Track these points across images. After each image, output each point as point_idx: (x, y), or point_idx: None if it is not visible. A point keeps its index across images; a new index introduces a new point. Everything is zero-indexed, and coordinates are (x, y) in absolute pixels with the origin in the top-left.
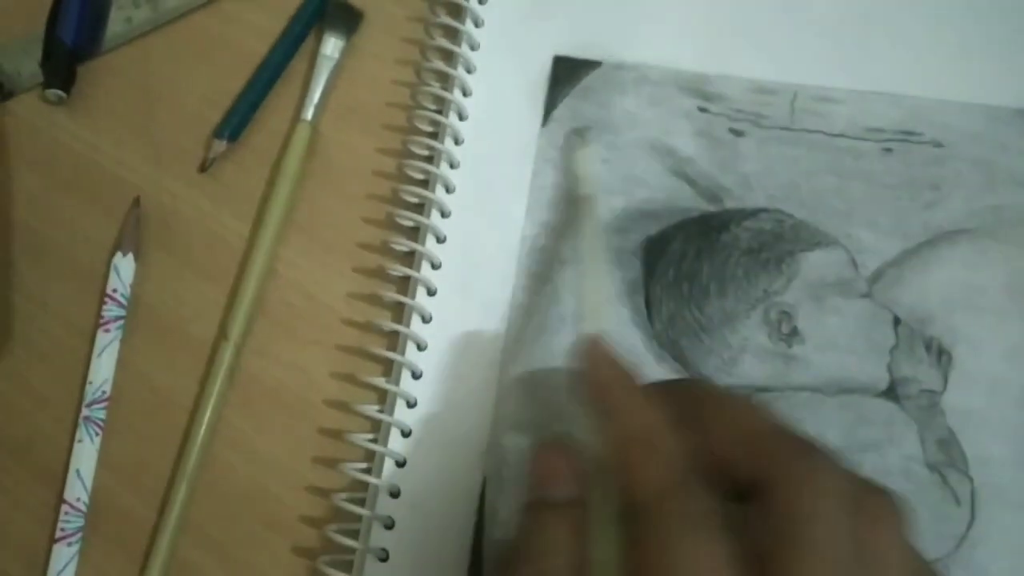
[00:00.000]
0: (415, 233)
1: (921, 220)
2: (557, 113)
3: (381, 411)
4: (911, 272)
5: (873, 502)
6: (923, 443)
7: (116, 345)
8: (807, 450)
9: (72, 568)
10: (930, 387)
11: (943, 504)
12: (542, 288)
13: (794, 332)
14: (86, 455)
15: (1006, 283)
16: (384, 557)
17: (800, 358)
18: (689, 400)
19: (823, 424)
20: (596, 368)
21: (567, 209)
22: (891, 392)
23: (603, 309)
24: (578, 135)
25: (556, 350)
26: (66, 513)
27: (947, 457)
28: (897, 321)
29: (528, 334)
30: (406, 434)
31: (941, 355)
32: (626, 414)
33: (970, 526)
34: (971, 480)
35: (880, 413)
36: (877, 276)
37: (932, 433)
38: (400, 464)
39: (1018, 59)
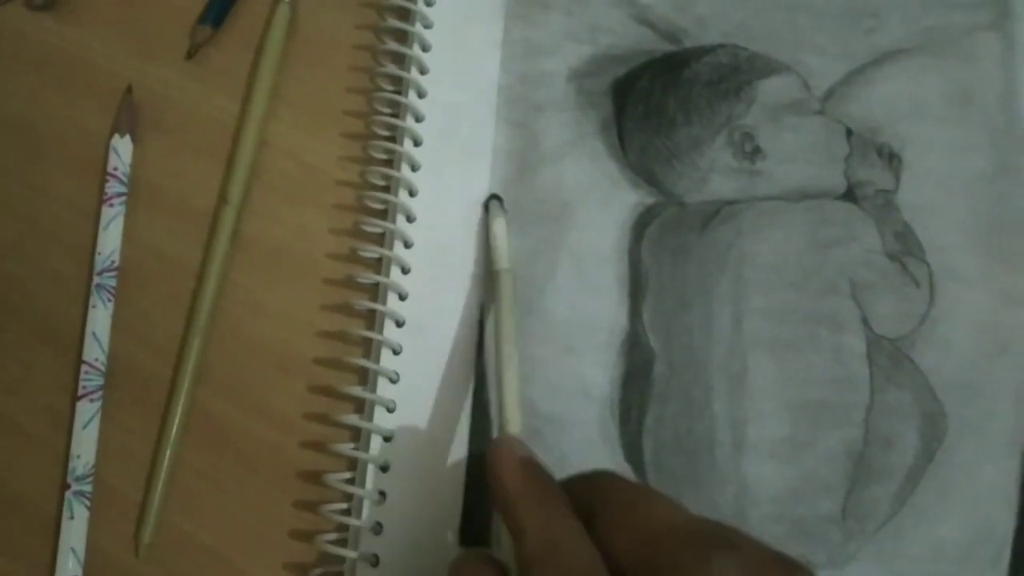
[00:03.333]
0: (399, 100)
1: (864, 44)
2: None
3: (381, 239)
4: (859, 89)
5: None
6: (882, 236)
7: (120, 219)
8: (703, 546)
9: (96, 422)
10: (884, 187)
11: (904, 288)
12: None
13: (756, 150)
14: (100, 319)
15: (944, 92)
16: (395, 378)
17: (764, 172)
18: (596, 497)
19: (789, 226)
20: (503, 474)
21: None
22: (849, 194)
23: (515, 410)
24: (495, 206)
25: None
26: (86, 373)
27: (904, 246)
28: (849, 133)
29: None
30: (406, 271)
31: (892, 159)
32: (530, 530)
33: (930, 305)
34: (928, 265)
35: (841, 213)
36: (828, 95)
37: (889, 227)
38: (403, 297)
39: None
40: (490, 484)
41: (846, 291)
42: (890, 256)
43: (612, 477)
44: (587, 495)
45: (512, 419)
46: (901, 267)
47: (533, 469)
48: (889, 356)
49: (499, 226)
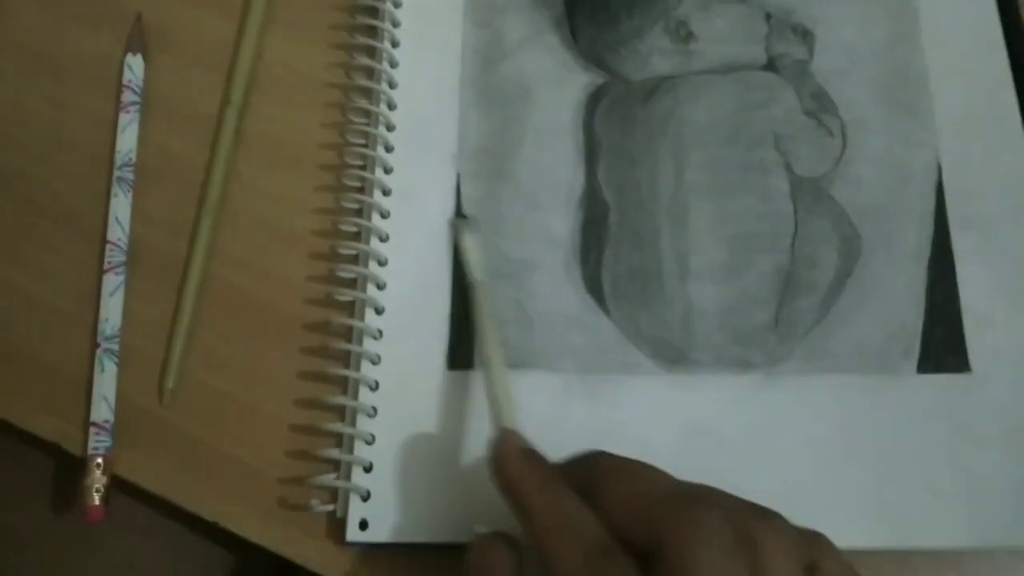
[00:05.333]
0: (377, 6)
1: None
2: None
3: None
4: None
5: (761, 528)
6: (800, 97)
7: (136, 124)
8: (690, 505)
9: (120, 292)
10: (800, 58)
11: (821, 137)
12: None
13: (690, 35)
14: (121, 205)
15: None
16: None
17: (696, 52)
18: (593, 475)
19: (719, 95)
20: (505, 465)
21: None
22: (770, 65)
23: (509, 405)
24: (461, 224)
25: None
26: (111, 251)
27: (820, 105)
28: (768, 16)
29: None
30: (388, 169)
31: (805, 35)
32: (537, 508)
33: (843, 150)
34: (840, 118)
35: (763, 81)
36: None
37: (806, 90)
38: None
39: None
40: (494, 475)
41: (771, 143)
42: (807, 113)
43: (604, 456)
44: (583, 473)
45: (507, 414)
46: (817, 122)
47: (532, 456)
48: (810, 193)
49: (468, 241)
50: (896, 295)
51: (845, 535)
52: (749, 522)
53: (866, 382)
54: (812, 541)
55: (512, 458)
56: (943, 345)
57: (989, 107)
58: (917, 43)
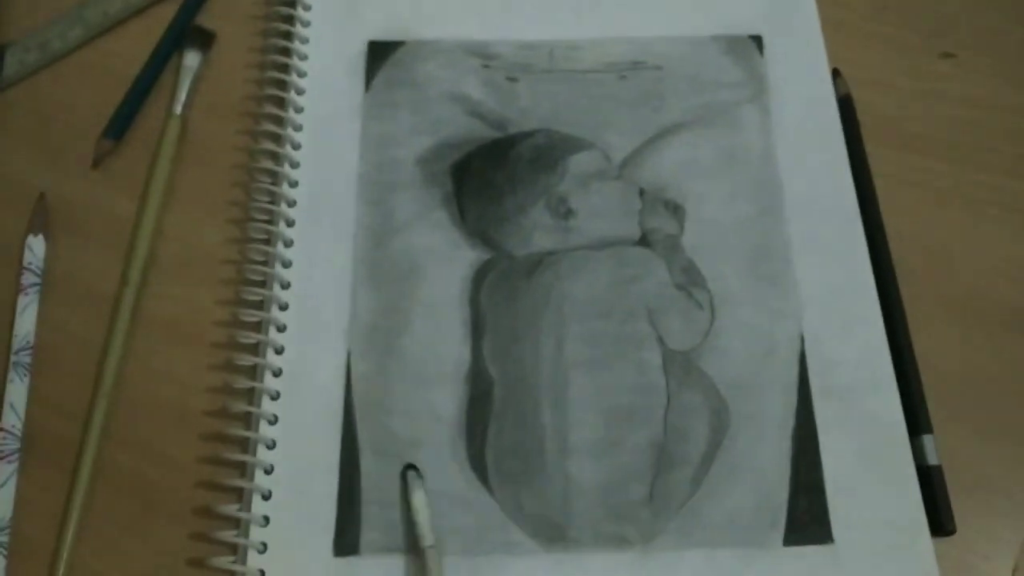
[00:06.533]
0: (274, 189)
1: (652, 122)
2: (376, 81)
3: (262, 304)
4: (648, 157)
5: None
6: (670, 271)
7: (35, 306)
8: None
9: (12, 481)
10: (671, 232)
11: (690, 311)
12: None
13: (569, 211)
14: (16, 391)
15: (715, 154)
16: (273, 420)
17: (575, 228)
18: None
19: (597, 270)
20: None
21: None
22: (643, 240)
23: None
24: (413, 479)
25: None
26: (4, 438)
27: (689, 278)
28: (642, 192)
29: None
30: (281, 329)
31: (676, 210)
32: None
33: (711, 323)
34: (709, 292)
35: (637, 256)
36: (624, 163)
37: (676, 264)
38: (279, 351)
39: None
40: None
41: (644, 316)
42: (678, 287)
43: None
44: None
45: None
46: (687, 295)
47: None
48: (681, 366)
49: (419, 500)
50: (763, 466)
51: None
52: None
53: (736, 555)
54: None
55: None
56: (807, 515)
57: (847, 278)
58: (780, 216)
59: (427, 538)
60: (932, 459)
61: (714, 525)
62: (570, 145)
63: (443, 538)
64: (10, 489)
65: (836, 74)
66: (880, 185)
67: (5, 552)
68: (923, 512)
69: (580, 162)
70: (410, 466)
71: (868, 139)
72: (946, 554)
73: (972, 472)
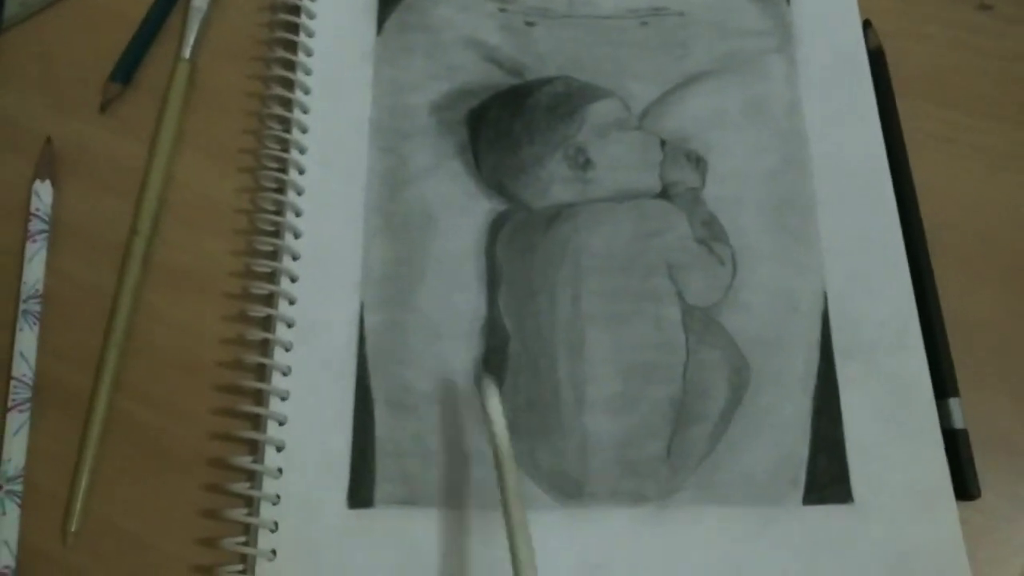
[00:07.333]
0: (286, 136)
1: (674, 70)
2: (388, 25)
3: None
4: (671, 107)
5: None
6: (692, 226)
7: (43, 253)
8: None
9: (25, 430)
10: (692, 185)
11: (712, 266)
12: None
13: (588, 162)
14: (27, 340)
15: (740, 105)
16: (287, 371)
17: (594, 180)
18: None
19: (616, 223)
20: None
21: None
22: (664, 193)
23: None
24: (485, 381)
25: None
26: (15, 387)
27: (711, 233)
28: (663, 143)
29: None
30: (294, 279)
31: (698, 162)
32: None
33: (733, 278)
34: (731, 246)
35: (657, 209)
36: (645, 113)
37: (698, 218)
38: (292, 302)
39: None
40: None
41: (664, 272)
42: (699, 241)
43: None
44: None
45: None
46: (708, 249)
47: None
48: (701, 322)
49: (494, 409)
50: (783, 425)
51: None
52: None
53: (754, 513)
54: None
55: None
56: (827, 475)
57: (874, 234)
58: (806, 169)
59: (503, 445)
60: (958, 423)
61: (732, 483)
62: (589, 93)
63: (459, 493)
64: (23, 438)
65: (867, 25)
66: (910, 140)
67: (19, 501)
68: (948, 475)
69: (599, 111)
70: (486, 372)
71: (899, 93)
72: (970, 519)
73: (998, 436)
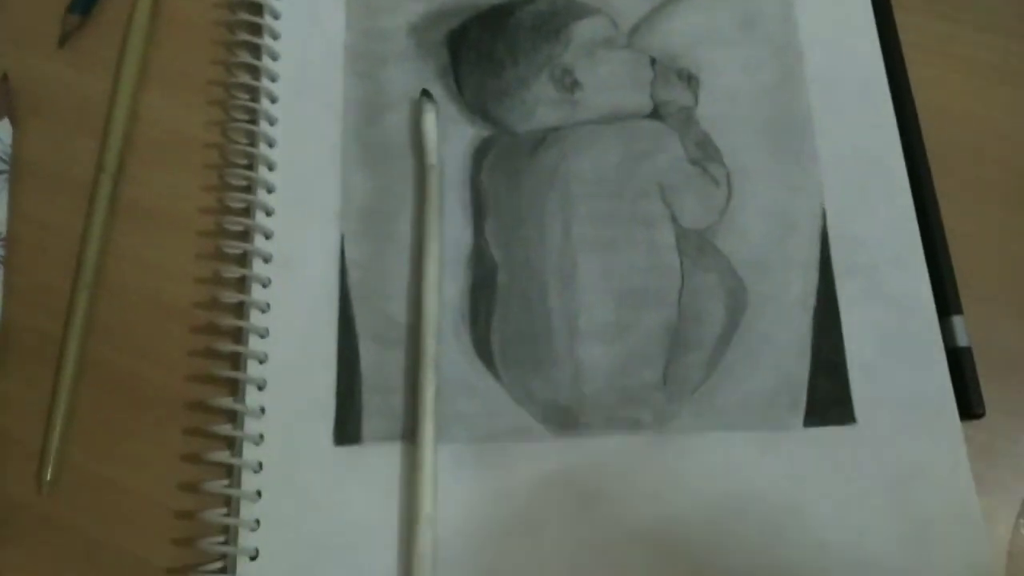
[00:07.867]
0: (255, 64)
1: None
2: None
3: (248, 188)
4: (660, 23)
5: None
6: (684, 146)
7: (4, 194)
8: None
9: None
10: (685, 104)
11: (706, 188)
12: None
13: (575, 83)
14: None
15: (732, 20)
16: (265, 309)
17: (582, 101)
18: None
19: (605, 146)
20: None
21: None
22: (655, 113)
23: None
24: (424, 102)
25: None
26: None
27: (705, 153)
28: (653, 61)
29: None
30: (270, 213)
31: (690, 80)
32: None
33: (728, 199)
34: (725, 167)
35: (648, 130)
36: (634, 31)
37: (691, 138)
38: (268, 236)
39: None
40: None
41: (656, 195)
42: (692, 162)
43: None
44: None
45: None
46: (702, 171)
47: None
48: (696, 245)
49: (428, 122)
50: (782, 348)
51: None
52: None
53: (754, 438)
54: None
55: None
56: (828, 397)
57: (873, 151)
58: (801, 86)
59: (431, 156)
60: (962, 340)
61: (731, 408)
62: (574, 11)
63: (448, 425)
64: None
65: None
66: (910, 54)
67: None
68: (951, 394)
69: (585, 29)
70: (424, 92)
71: (897, 5)
72: (973, 437)
73: (1003, 354)
